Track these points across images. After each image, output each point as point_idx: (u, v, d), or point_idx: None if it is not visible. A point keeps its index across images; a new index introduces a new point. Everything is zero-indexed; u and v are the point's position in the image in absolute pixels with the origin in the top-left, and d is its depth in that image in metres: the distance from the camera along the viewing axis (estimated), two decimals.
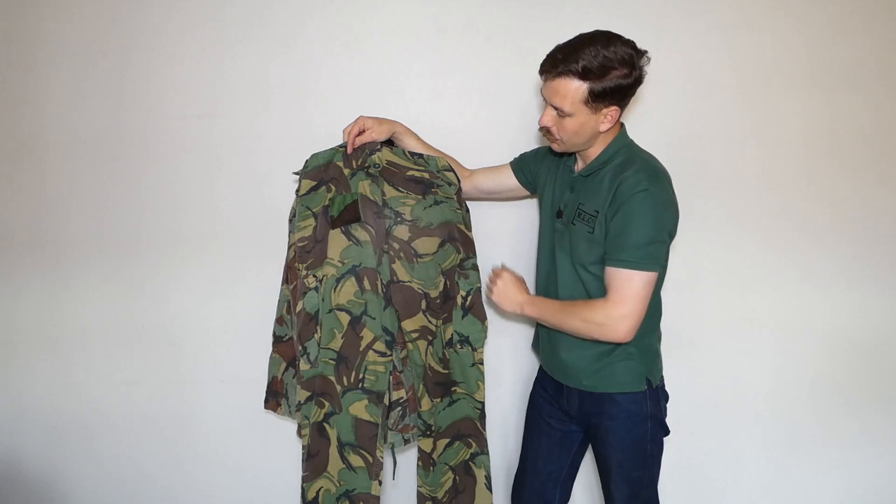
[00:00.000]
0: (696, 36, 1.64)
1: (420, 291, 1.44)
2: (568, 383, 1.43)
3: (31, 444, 1.88)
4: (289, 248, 1.53)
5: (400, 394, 1.50)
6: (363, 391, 1.44)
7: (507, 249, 1.70)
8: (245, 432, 1.83)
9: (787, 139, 1.69)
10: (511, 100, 1.64)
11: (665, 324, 1.44)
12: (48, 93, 1.69)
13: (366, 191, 1.43)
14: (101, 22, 1.65)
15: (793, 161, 1.70)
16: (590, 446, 1.54)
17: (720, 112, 1.67)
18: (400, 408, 1.51)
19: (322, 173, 1.47)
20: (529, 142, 1.63)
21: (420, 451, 1.53)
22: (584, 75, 1.20)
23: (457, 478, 1.53)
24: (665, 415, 1.41)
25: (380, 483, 1.46)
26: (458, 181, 1.51)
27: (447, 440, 1.52)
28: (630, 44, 1.22)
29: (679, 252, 1.66)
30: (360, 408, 1.44)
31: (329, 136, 1.55)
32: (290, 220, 1.51)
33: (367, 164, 1.45)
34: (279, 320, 1.60)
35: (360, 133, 1.45)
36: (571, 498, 1.59)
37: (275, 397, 1.63)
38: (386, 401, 1.46)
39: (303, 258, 1.45)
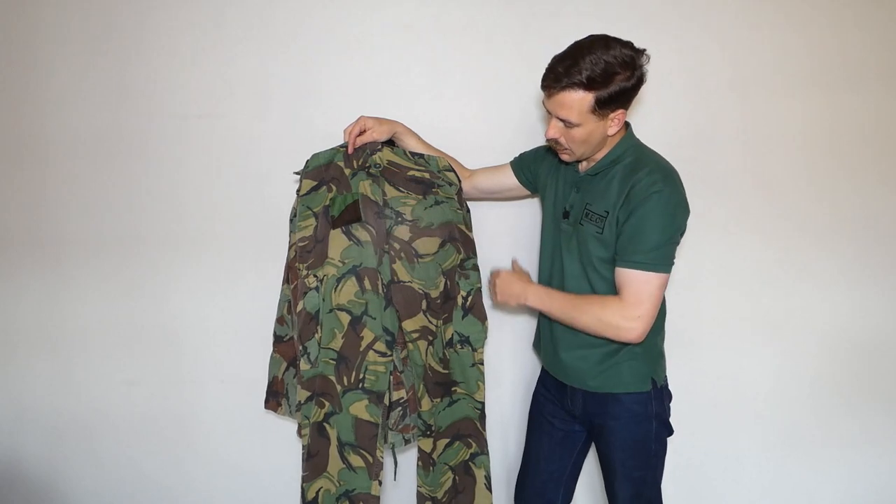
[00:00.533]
0: (697, 36, 1.64)
1: (420, 291, 1.44)
2: (572, 384, 1.43)
3: (31, 444, 1.88)
4: (289, 247, 1.53)
5: (400, 394, 1.50)
6: (363, 391, 1.44)
7: (507, 249, 1.70)
8: (245, 432, 1.83)
9: (787, 139, 1.69)
10: (511, 100, 1.64)
11: (665, 323, 1.44)
12: (48, 93, 1.69)
13: (367, 191, 1.43)
14: (101, 22, 1.65)
15: (793, 161, 1.70)
16: (593, 446, 1.54)
17: (720, 112, 1.67)
18: (400, 408, 1.51)
19: (323, 173, 1.47)
20: (529, 142, 1.63)
21: (420, 451, 1.53)
22: (588, 86, 1.20)
23: (456, 478, 1.53)
24: (669, 414, 1.42)
25: (380, 483, 1.46)
26: (459, 181, 1.51)
27: (447, 440, 1.52)
28: (628, 45, 1.22)
29: (679, 252, 1.65)
30: (360, 408, 1.44)
31: (329, 136, 1.55)
32: (291, 220, 1.52)
33: (367, 164, 1.45)
34: (280, 320, 1.60)
35: (361, 133, 1.45)
36: (574, 497, 1.60)
37: (275, 397, 1.63)
38: (386, 401, 1.46)
39: (303, 258, 1.45)
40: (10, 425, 1.88)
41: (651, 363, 1.38)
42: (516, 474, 1.65)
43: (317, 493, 1.47)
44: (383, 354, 1.43)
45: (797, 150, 1.70)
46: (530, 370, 1.76)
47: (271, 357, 1.62)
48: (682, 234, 1.30)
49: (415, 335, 1.45)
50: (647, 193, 1.23)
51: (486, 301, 1.57)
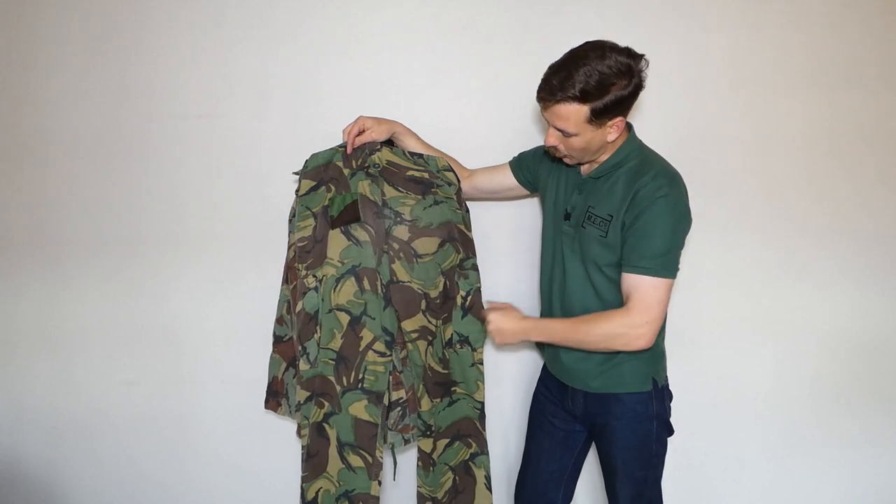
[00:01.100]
0: (696, 36, 1.64)
1: (420, 291, 1.44)
2: (574, 385, 1.43)
3: (31, 444, 1.88)
4: (289, 247, 1.53)
5: (400, 394, 1.50)
6: (363, 391, 1.44)
7: (506, 249, 1.70)
8: (245, 432, 1.83)
9: (787, 139, 1.69)
10: (511, 100, 1.64)
11: (666, 324, 1.44)
12: (48, 93, 1.69)
13: (365, 191, 1.43)
14: (101, 22, 1.65)
15: (793, 161, 1.70)
16: (593, 446, 1.54)
17: (720, 112, 1.67)
18: (400, 408, 1.51)
19: (322, 173, 1.47)
20: (529, 142, 1.63)
21: (420, 451, 1.53)
22: (582, 98, 1.19)
23: (457, 478, 1.53)
24: (669, 414, 1.42)
25: (379, 483, 1.45)
26: (458, 181, 1.51)
27: (447, 440, 1.52)
28: (625, 51, 1.20)
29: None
30: (359, 408, 1.44)
31: (329, 136, 1.55)
32: (290, 220, 1.52)
33: (366, 164, 1.45)
34: (279, 320, 1.60)
35: (360, 133, 1.45)
36: (574, 497, 1.60)
37: (275, 397, 1.63)
38: (385, 401, 1.46)
39: (302, 258, 1.45)
40: (10, 425, 1.88)
41: (652, 363, 1.38)
42: (516, 474, 1.65)
43: (316, 493, 1.47)
44: (382, 354, 1.43)
45: (797, 150, 1.70)
46: (531, 370, 1.76)
47: (271, 357, 1.62)
48: (685, 236, 1.30)
49: (414, 335, 1.45)
50: (653, 198, 1.23)
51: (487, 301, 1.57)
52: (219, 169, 1.70)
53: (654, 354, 1.39)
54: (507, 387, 1.79)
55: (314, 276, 1.43)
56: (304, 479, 1.47)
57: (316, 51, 1.64)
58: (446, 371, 1.50)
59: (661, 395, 1.39)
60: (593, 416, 1.42)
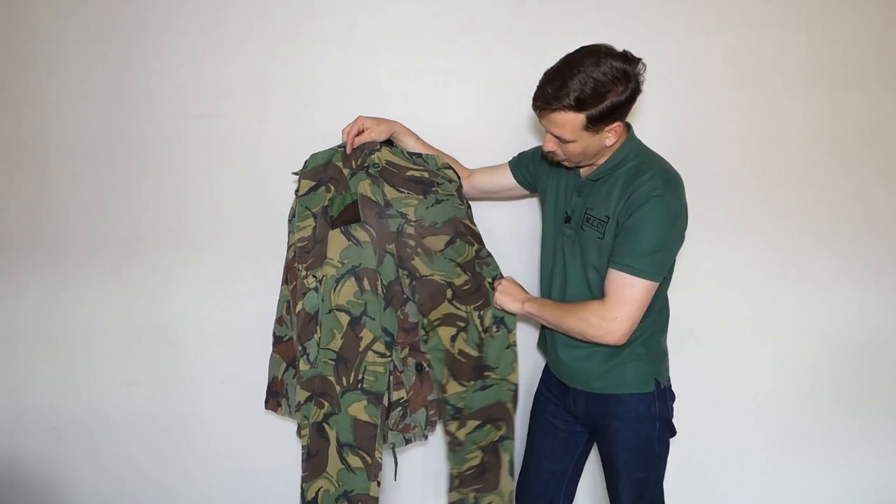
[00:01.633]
0: (696, 36, 1.64)
1: (443, 282, 1.45)
2: (576, 386, 1.43)
3: (31, 444, 1.88)
4: (288, 248, 1.53)
5: (400, 394, 1.50)
6: (362, 392, 1.43)
7: (507, 249, 1.70)
8: (245, 432, 1.83)
9: (787, 139, 1.69)
10: (511, 100, 1.64)
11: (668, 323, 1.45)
12: (48, 93, 1.69)
13: (366, 191, 1.43)
14: (101, 22, 1.65)
15: (793, 161, 1.70)
16: (594, 447, 1.54)
17: (720, 112, 1.67)
18: (400, 408, 1.51)
19: (321, 173, 1.47)
20: (529, 142, 1.63)
21: (448, 434, 1.54)
22: (578, 107, 1.18)
23: (485, 457, 1.54)
24: (672, 415, 1.42)
25: (378, 484, 1.45)
26: (458, 178, 1.51)
27: (478, 422, 1.53)
28: (621, 56, 1.18)
29: (680, 252, 1.66)
30: (359, 408, 1.44)
31: (329, 136, 1.55)
32: (290, 221, 1.52)
33: (366, 164, 1.45)
34: (279, 320, 1.60)
35: (360, 133, 1.45)
36: (575, 498, 1.59)
37: (275, 397, 1.63)
38: (385, 401, 1.46)
39: (302, 258, 1.45)
40: (10, 425, 1.88)
41: (654, 364, 1.38)
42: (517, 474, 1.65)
43: (316, 493, 1.47)
44: (382, 355, 1.43)
45: (797, 149, 1.70)
46: (533, 370, 1.76)
47: (271, 357, 1.62)
48: (679, 244, 1.29)
49: (435, 322, 1.46)
50: (647, 198, 1.22)
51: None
52: (219, 169, 1.70)
53: (657, 355, 1.39)
54: None
55: (314, 276, 1.43)
56: (304, 479, 1.47)
57: (316, 51, 1.64)
58: (479, 354, 1.50)
59: (664, 396, 1.39)
60: (595, 417, 1.42)
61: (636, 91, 1.21)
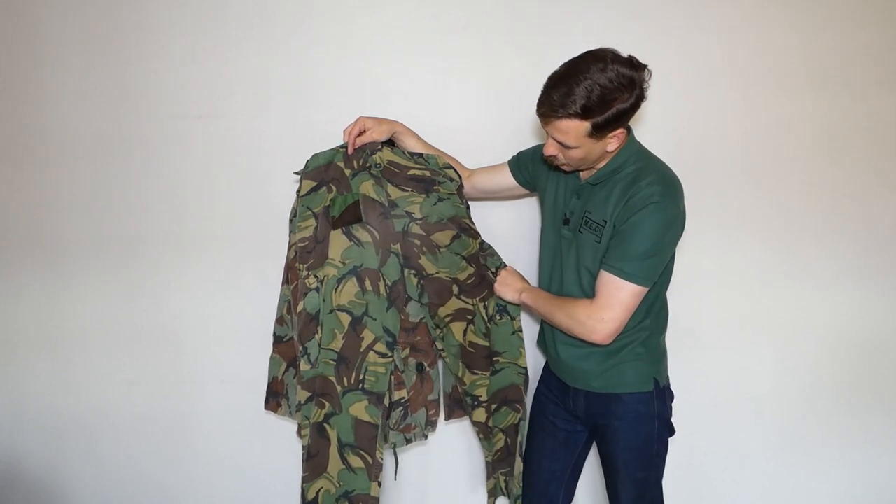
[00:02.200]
0: (696, 36, 1.64)
1: (448, 279, 1.46)
2: (576, 385, 1.43)
3: (31, 444, 1.88)
4: (289, 248, 1.53)
5: (401, 394, 1.50)
6: (363, 392, 1.44)
7: (506, 250, 1.70)
8: (245, 432, 1.83)
9: (786, 139, 1.69)
10: (511, 100, 1.64)
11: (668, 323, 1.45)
12: (48, 93, 1.69)
13: (369, 191, 1.43)
14: (101, 22, 1.65)
15: (793, 161, 1.70)
16: (594, 446, 1.54)
17: (720, 112, 1.67)
18: (402, 408, 1.52)
19: (323, 174, 1.47)
20: (529, 142, 1.63)
21: (476, 423, 1.57)
22: (584, 115, 1.17)
23: (508, 440, 1.55)
24: (671, 414, 1.42)
25: (379, 484, 1.46)
26: (459, 177, 1.52)
27: (495, 405, 1.55)
28: (628, 62, 1.17)
29: (679, 252, 1.65)
30: (360, 409, 1.44)
31: (329, 136, 1.55)
32: (291, 220, 1.52)
33: (367, 165, 1.45)
34: (280, 320, 1.60)
35: (361, 133, 1.45)
36: (575, 497, 1.60)
37: (275, 398, 1.63)
38: (386, 402, 1.46)
39: (304, 258, 1.45)
40: (10, 425, 1.88)
41: (654, 363, 1.38)
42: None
43: (317, 493, 1.47)
44: (383, 356, 1.43)
45: (797, 150, 1.70)
46: (533, 369, 1.76)
47: (271, 357, 1.62)
48: (672, 250, 1.29)
49: (448, 319, 1.49)
50: (644, 203, 1.22)
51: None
52: (219, 169, 1.70)
53: (656, 355, 1.39)
54: None
55: (315, 276, 1.43)
56: (304, 480, 1.48)
57: (316, 51, 1.64)
58: (488, 343, 1.52)
59: (663, 395, 1.39)
60: (595, 417, 1.42)
61: (641, 98, 1.20)
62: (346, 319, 1.43)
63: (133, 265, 1.76)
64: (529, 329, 1.74)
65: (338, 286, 1.42)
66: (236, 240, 1.73)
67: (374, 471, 1.45)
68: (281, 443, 1.82)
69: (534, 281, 1.67)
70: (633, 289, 1.25)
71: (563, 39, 1.57)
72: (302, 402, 1.46)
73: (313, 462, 1.46)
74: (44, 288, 1.79)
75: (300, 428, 1.50)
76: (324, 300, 1.42)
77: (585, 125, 1.19)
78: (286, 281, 1.55)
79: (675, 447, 1.47)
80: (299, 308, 1.44)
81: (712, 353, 1.78)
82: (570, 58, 1.22)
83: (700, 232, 1.70)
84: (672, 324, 1.47)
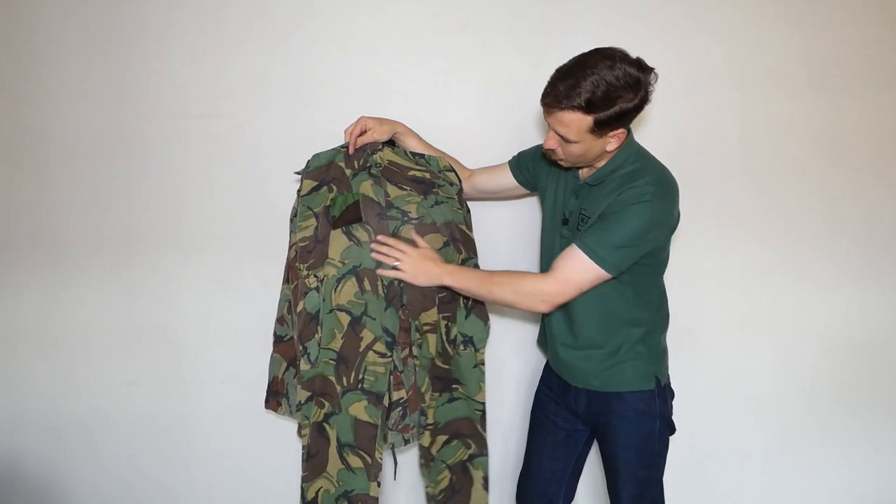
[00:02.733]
0: (696, 36, 1.64)
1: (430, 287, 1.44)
2: (576, 384, 1.43)
3: (31, 444, 1.88)
4: (290, 247, 1.53)
5: (401, 394, 1.50)
6: (362, 392, 1.43)
7: (506, 251, 1.70)
8: (245, 432, 1.83)
9: (786, 139, 1.69)
10: (511, 100, 1.64)
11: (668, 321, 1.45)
12: (48, 93, 1.69)
13: (368, 191, 1.43)
14: (101, 22, 1.65)
15: (793, 161, 1.70)
16: (595, 445, 1.54)
17: (720, 112, 1.67)
18: (401, 408, 1.51)
19: (323, 173, 1.47)
20: (529, 141, 1.63)
21: (420, 447, 1.53)
22: (587, 109, 1.18)
23: (454, 477, 1.53)
24: (671, 412, 1.42)
25: (378, 484, 1.46)
26: (460, 181, 1.51)
27: (446, 437, 1.52)
28: (636, 63, 1.18)
29: (679, 252, 1.66)
30: (359, 408, 1.44)
31: (329, 136, 1.55)
32: (292, 220, 1.52)
33: (368, 164, 1.45)
34: (280, 320, 1.60)
35: (362, 133, 1.45)
36: (575, 497, 1.60)
37: (275, 397, 1.63)
38: (385, 402, 1.46)
39: (304, 258, 1.45)
40: (10, 425, 1.88)
41: (654, 362, 1.38)
42: (518, 473, 1.65)
43: (316, 493, 1.47)
44: (383, 355, 1.43)
45: (797, 150, 1.70)
46: (533, 368, 1.76)
47: (271, 357, 1.62)
48: (650, 248, 1.27)
49: (426, 328, 1.45)
50: (635, 200, 1.22)
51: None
52: (219, 169, 1.70)
53: (656, 353, 1.39)
54: (508, 386, 1.79)
55: (315, 276, 1.43)
56: (303, 479, 1.47)
57: (316, 51, 1.64)
58: (447, 367, 1.50)
59: (664, 394, 1.40)
60: (596, 415, 1.42)
61: (645, 100, 1.21)
62: (345, 319, 1.43)
63: (133, 265, 1.76)
64: (529, 329, 1.74)
65: (337, 286, 1.42)
66: (236, 240, 1.73)
67: (374, 471, 1.44)
68: (281, 443, 1.82)
69: None
70: (597, 273, 1.24)
71: (563, 39, 1.57)
72: (302, 401, 1.46)
73: (313, 462, 1.46)
74: (44, 288, 1.79)
75: (300, 427, 1.50)
76: (323, 300, 1.42)
77: (588, 120, 1.19)
78: (287, 280, 1.56)
79: (675, 447, 1.47)
80: (299, 308, 1.44)
81: (712, 353, 1.78)
82: (570, 57, 1.23)
83: (700, 232, 1.70)
84: (672, 324, 1.47)
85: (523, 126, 1.66)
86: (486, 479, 1.53)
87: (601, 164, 1.32)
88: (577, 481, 1.58)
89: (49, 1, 1.65)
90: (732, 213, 1.72)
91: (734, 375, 1.80)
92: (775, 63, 1.66)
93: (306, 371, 1.45)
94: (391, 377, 1.47)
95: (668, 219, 1.27)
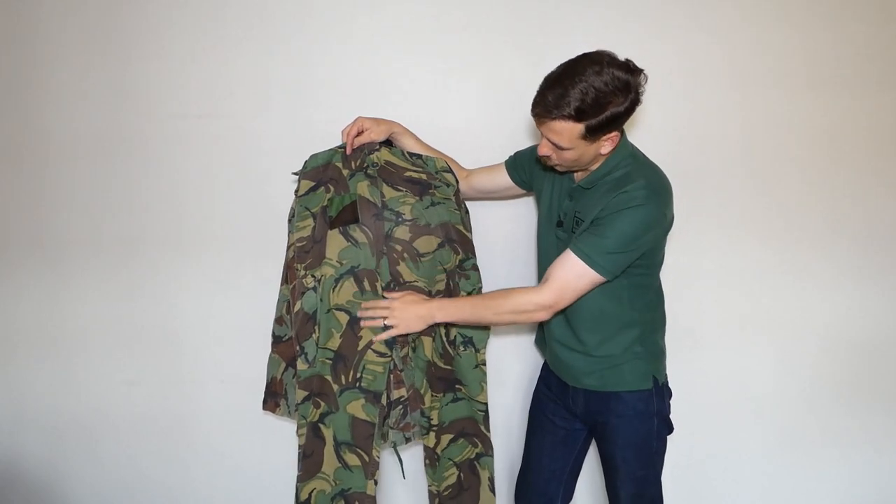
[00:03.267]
0: (696, 36, 1.64)
1: (426, 290, 1.44)
2: (575, 384, 1.43)
3: (31, 444, 1.88)
4: (288, 248, 1.53)
5: (401, 392, 1.50)
6: (360, 390, 1.43)
7: (503, 252, 1.70)
8: (245, 432, 1.83)
9: (786, 139, 1.69)
10: (511, 100, 1.64)
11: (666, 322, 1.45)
12: (48, 93, 1.69)
13: (364, 192, 1.42)
14: (101, 22, 1.65)
15: (793, 161, 1.70)
16: (594, 444, 1.54)
17: (720, 112, 1.67)
18: (401, 406, 1.51)
19: (321, 174, 1.47)
20: (528, 142, 1.63)
21: (425, 448, 1.53)
22: (578, 117, 1.18)
23: (462, 475, 1.53)
24: (669, 411, 1.42)
25: (375, 483, 1.45)
26: (457, 182, 1.51)
27: (451, 435, 1.52)
28: (624, 66, 1.18)
29: (679, 252, 1.66)
30: (357, 407, 1.43)
31: (329, 136, 1.55)
32: (289, 221, 1.52)
33: (365, 165, 1.45)
34: (279, 320, 1.60)
35: (359, 133, 1.45)
36: (574, 496, 1.59)
37: (273, 398, 1.62)
38: (384, 401, 1.46)
39: (301, 258, 1.45)
40: (10, 425, 1.88)
41: (652, 361, 1.38)
42: (516, 473, 1.65)
43: (310, 494, 1.47)
44: (382, 355, 1.43)
45: (797, 150, 1.70)
46: (533, 368, 1.76)
47: (270, 357, 1.61)
48: (644, 250, 1.27)
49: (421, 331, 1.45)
50: (627, 204, 1.22)
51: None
52: (219, 169, 1.70)
53: (654, 353, 1.39)
54: (508, 386, 1.79)
55: (313, 275, 1.43)
56: (298, 479, 1.47)
57: (316, 51, 1.64)
58: (449, 367, 1.50)
59: (662, 393, 1.40)
60: (594, 415, 1.42)
61: (636, 102, 1.20)
62: (343, 319, 1.42)
63: (133, 265, 1.76)
64: (529, 329, 1.74)
65: (335, 286, 1.41)
66: (236, 240, 1.73)
67: (371, 469, 1.44)
68: (281, 443, 1.82)
69: (534, 280, 1.68)
70: (593, 278, 1.25)
71: (563, 39, 1.57)
72: (299, 401, 1.46)
73: (308, 462, 1.46)
74: (44, 288, 1.79)
75: (299, 427, 1.50)
76: (321, 300, 1.42)
77: (579, 127, 1.19)
78: (285, 280, 1.55)
79: (675, 446, 1.47)
80: (296, 307, 1.44)
81: (712, 353, 1.78)
82: (568, 58, 1.23)
83: (700, 232, 1.70)
84: (672, 324, 1.47)
85: (523, 126, 1.66)
86: (491, 481, 1.54)
87: (596, 166, 1.32)
88: (576, 481, 1.58)
89: (49, 1, 1.65)
90: (732, 213, 1.72)
91: (734, 375, 1.80)
92: (775, 63, 1.66)
93: (303, 371, 1.45)
94: (391, 376, 1.47)
95: (660, 221, 1.27)
